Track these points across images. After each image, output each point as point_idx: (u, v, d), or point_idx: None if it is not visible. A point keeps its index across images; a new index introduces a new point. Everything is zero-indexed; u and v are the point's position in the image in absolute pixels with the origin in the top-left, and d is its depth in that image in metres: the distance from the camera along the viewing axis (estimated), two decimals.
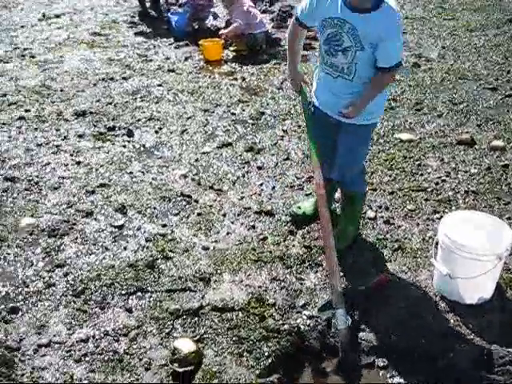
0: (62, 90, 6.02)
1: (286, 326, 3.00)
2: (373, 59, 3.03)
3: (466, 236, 3.15)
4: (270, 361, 2.82)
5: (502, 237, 3.15)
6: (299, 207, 3.91)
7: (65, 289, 3.27)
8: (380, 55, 2.99)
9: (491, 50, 7.68)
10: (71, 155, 4.71)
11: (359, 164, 3.52)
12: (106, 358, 2.82)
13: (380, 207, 4.07)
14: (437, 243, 3.31)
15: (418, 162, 4.70)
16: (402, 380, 2.82)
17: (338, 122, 3.30)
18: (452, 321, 3.09)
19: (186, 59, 7.06)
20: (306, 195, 4.16)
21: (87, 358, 2.83)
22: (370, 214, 3.98)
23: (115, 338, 2.94)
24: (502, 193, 4.31)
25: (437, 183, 4.41)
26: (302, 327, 3.01)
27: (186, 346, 2.79)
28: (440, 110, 5.74)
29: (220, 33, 7.29)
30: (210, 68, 6.80)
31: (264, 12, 8.66)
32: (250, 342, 2.90)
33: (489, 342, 2.92)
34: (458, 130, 5.33)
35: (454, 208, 4.07)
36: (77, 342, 2.92)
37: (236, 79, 6.44)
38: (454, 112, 5.71)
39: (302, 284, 3.32)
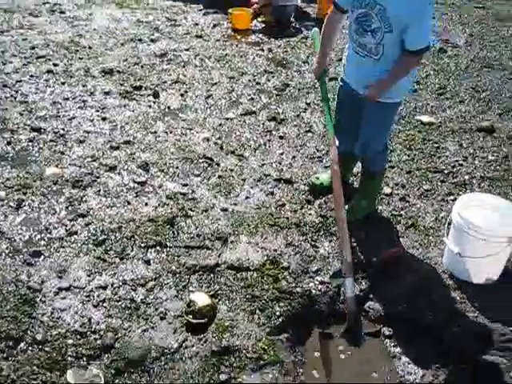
0: (90, 48, 6.08)
1: (298, 289, 3.10)
2: (400, 41, 3.05)
3: (478, 217, 3.22)
4: (280, 320, 2.93)
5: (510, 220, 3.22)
6: (317, 178, 3.99)
7: (86, 238, 3.37)
8: (408, 38, 2.99)
9: None
10: (97, 111, 4.79)
11: (382, 141, 3.56)
12: (123, 305, 2.94)
13: (397, 185, 4.14)
14: (449, 223, 3.39)
15: (437, 145, 4.74)
16: (405, 349, 2.93)
17: (363, 97, 3.36)
18: (458, 298, 3.17)
19: (215, 26, 7.09)
20: (325, 167, 4.23)
21: (105, 304, 2.94)
22: (387, 190, 4.05)
23: (133, 288, 3.05)
24: None
25: (453, 166, 4.46)
26: (313, 291, 3.11)
27: (201, 299, 2.90)
28: (462, 96, 5.75)
29: (252, 1, 7.29)
30: (238, 37, 6.81)
31: None
32: (263, 301, 3.01)
33: (492, 320, 3.00)
34: (479, 117, 5.35)
35: (468, 191, 4.12)
36: (96, 288, 3.03)
37: (263, 50, 6.47)
38: (477, 99, 5.73)
39: (316, 251, 3.42)
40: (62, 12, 7.12)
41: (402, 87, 3.30)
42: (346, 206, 3.48)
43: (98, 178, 3.93)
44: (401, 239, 3.60)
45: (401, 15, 2.92)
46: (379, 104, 3.31)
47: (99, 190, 3.80)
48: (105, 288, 3.04)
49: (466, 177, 4.34)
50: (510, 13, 8.89)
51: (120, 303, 2.95)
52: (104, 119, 4.67)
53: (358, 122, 3.46)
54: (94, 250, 3.28)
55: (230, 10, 7.08)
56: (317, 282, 3.18)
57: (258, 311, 2.96)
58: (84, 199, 3.71)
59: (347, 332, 2.99)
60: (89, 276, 3.11)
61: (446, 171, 4.38)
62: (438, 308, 3.08)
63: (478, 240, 3.14)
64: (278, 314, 2.95)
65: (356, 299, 3.00)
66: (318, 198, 3.89)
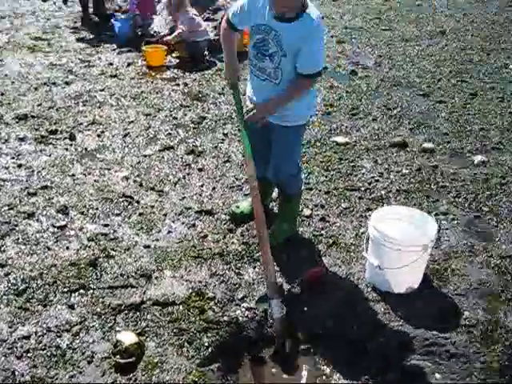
0: (2, 94, 5.99)
1: (225, 318, 3.13)
2: (295, 65, 3.19)
3: (393, 229, 3.36)
4: (209, 351, 2.93)
5: (427, 229, 3.37)
6: (238, 206, 4.05)
7: (6, 288, 3.29)
8: (300, 62, 3.15)
9: (424, 59, 8.07)
10: (12, 158, 4.71)
11: (292, 164, 3.64)
12: (48, 354, 2.87)
13: (316, 206, 4.25)
14: (368, 237, 3.51)
15: (353, 164, 4.92)
16: (334, 364, 2.99)
17: (269, 122, 3.45)
18: (382, 309, 3.27)
19: (129, 65, 7.12)
20: (245, 195, 4.30)
21: (29, 354, 2.86)
22: (306, 212, 4.15)
23: (58, 334, 2.99)
24: (431, 191, 4.56)
25: (370, 183, 4.63)
26: (240, 318, 3.14)
27: (127, 338, 2.88)
28: (375, 115, 6.00)
29: (164, 39, 7.38)
30: (153, 74, 6.88)
31: (207, 20, 8.79)
32: (191, 334, 3.01)
33: (416, 327, 3.11)
34: (392, 133, 5.59)
35: (385, 205, 4.28)
36: (19, 339, 2.94)
37: (178, 85, 6.55)
38: (388, 117, 5.99)
39: (240, 278, 3.45)
40: None
41: (299, 111, 3.41)
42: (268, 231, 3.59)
43: (16, 226, 3.85)
44: (323, 258, 3.69)
45: (292, 41, 3.08)
46: (283, 128, 3.43)
47: (18, 239, 3.72)
48: (28, 338, 2.96)
49: (383, 192, 4.51)
50: (414, 34, 9.37)
51: (45, 352, 2.88)
52: (20, 166, 4.59)
53: (269, 147, 3.55)
54: (15, 300, 3.20)
55: (143, 48, 7.14)
56: (243, 309, 3.21)
57: (186, 344, 2.95)
58: (2, 249, 3.62)
59: (277, 354, 3.03)
60: (10, 327, 3.02)
61: (362, 188, 4.54)
62: (362, 321, 3.17)
63: (394, 251, 3.26)
64: (206, 344, 2.96)
65: (284, 320, 3.04)
66: (239, 226, 3.95)
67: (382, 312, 3.25)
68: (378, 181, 4.67)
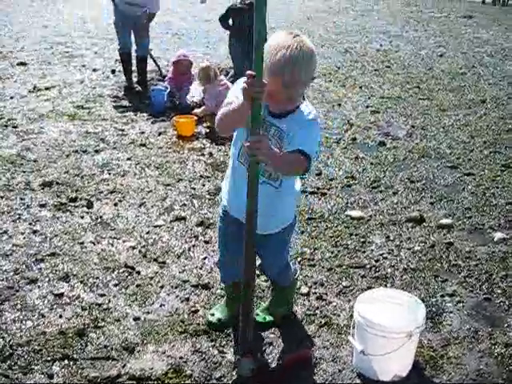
0: (35, 161, 6.29)
1: None
2: None
3: (377, 314, 3.28)
4: None
5: (414, 314, 3.27)
6: (213, 314, 3.75)
7: None
8: (297, 141, 2.86)
9: (459, 129, 8.01)
10: (30, 224, 4.91)
11: (282, 262, 3.54)
12: None
13: (315, 283, 4.19)
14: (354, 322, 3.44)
15: (363, 240, 4.85)
16: None
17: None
18: None
19: (160, 134, 7.37)
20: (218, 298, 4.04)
21: None
22: (304, 289, 4.08)
23: None
24: (442, 270, 4.43)
25: (377, 260, 4.54)
26: None
27: None
28: (396, 188, 5.95)
29: (192, 112, 7.66)
30: (182, 143, 7.07)
31: None
32: None
33: None
34: (411, 207, 5.51)
35: (389, 285, 4.20)
36: None
37: (203, 154, 6.71)
38: (410, 190, 5.92)
39: (222, 357, 3.42)
40: (14, 126, 7.39)
41: (287, 215, 3.34)
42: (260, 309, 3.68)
43: (17, 291, 3.98)
44: (313, 339, 3.63)
45: (288, 133, 2.92)
46: (269, 235, 3.27)
47: (16, 304, 3.83)
48: None
49: (389, 270, 4.42)
50: (452, 103, 9.32)
51: None
52: (35, 232, 4.76)
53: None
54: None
55: (174, 118, 7.40)
56: None
57: None
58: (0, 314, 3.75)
59: None
60: None
61: (368, 266, 4.46)
62: None
63: (378, 337, 3.17)
64: None
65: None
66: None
67: None
68: (386, 258, 4.58)
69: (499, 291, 4.19)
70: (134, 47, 9.19)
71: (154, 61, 9.88)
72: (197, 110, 7.67)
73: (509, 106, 9.21)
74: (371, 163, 6.63)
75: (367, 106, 9.02)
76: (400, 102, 9.38)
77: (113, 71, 10.29)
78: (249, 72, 2.59)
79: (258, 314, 3.74)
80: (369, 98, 9.55)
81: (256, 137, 2.65)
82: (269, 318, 3.73)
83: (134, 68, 9.37)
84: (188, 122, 7.34)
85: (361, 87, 10.29)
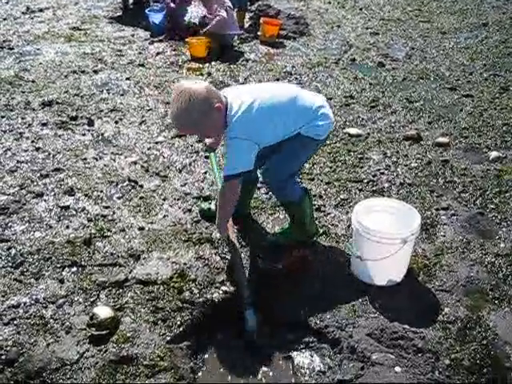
0: (33, 81, 6.27)
1: (201, 299, 3.26)
2: None
3: (374, 220, 3.40)
4: (181, 329, 3.08)
5: (409, 222, 3.38)
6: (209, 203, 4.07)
7: (5, 261, 3.51)
8: None
9: (459, 51, 7.94)
10: (32, 142, 4.96)
11: (284, 170, 3.50)
12: (32, 322, 3.06)
13: (314, 195, 4.28)
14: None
15: (361, 156, 4.93)
16: (306, 353, 3.11)
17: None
18: (360, 300, 3.31)
19: (158, 54, 7.32)
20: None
21: (15, 322, 3.07)
22: None
23: (44, 305, 3.18)
24: (437, 186, 4.53)
25: (374, 175, 4.64)
26: (216, 300, 3.27)
27: (103, 312, 3.05)
28: (394, 108, 5.98)
29: (204, 30, 7.43)
30: (180, 63, 7.03)
31: None
32: (166, 312, 3.15)
33: (389, 320, 3.14)
34: (408, 126, 5.56)
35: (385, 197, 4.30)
36: (8, 307, 3.16)
37: (202, 74, 6.69)
38: (408, 109, 5.96)
39: (225, 263, 3.56)
40: (10, 48, 7.32)
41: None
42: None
43: (24, 204, 4.08)
44: (311, 247, 3.76)
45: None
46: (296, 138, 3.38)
47: (24, 217, 3.95)
48: (17, 307, 3.16)
49: (386, 184, 4.52)
50: (453, 26, 9.20)
51: (29, 320, 3.08)
52: (38, 149, 4.82)
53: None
54: (12, 273, 3.41)
55: (187, 39, 7.26)
56: (221, 292, 3.33)
57: (160, 322, 3.09)
58: (8, 225, 3.85)
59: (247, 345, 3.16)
60: (3, 297, 3.23)
61: (365, 180, 4.56)
62: (337, 310, 3.23)
63: (373, 242, 3.29)
64: (178, 323, 3.10)
65: (256, 332, 3.16)
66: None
67: (359, 303, 3.29)
68: (383, 173, 4.68)
69: (492, 206, 4.30)
70: None
71: None
72: (208, 27, 7.39)
73: (511, 29, 9.09)
74: (370, 83, 6.63)
75: (367, 28, 8.92)
76: (400, 24, 9.25)
77: None
78: None
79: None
80: (369, 20, 9.42)
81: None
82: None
83: None
84: (200, 44, 7.19)
85: (361, 9, 10.12)
